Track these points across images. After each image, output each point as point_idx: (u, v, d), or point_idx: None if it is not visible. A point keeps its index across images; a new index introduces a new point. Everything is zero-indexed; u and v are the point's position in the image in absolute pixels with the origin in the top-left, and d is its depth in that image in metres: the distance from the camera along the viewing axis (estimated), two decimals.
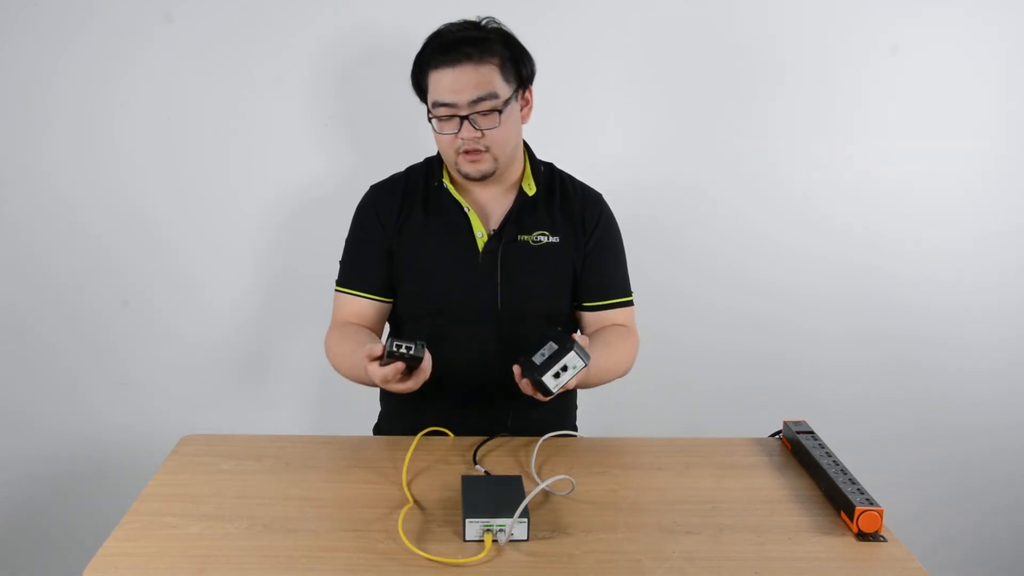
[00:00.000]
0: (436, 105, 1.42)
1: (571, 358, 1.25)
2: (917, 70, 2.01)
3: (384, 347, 1.25)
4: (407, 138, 1.89)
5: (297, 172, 2.02)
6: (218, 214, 2.04)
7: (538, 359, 1.27)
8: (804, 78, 2.01)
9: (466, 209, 1.50)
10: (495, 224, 1.52)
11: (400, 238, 1.52)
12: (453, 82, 1.40)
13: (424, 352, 1.26)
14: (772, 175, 2.06)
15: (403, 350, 1.24)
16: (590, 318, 1.57)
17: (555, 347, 1.27)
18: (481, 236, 1.50)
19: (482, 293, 1.49)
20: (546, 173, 1.57)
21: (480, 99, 1.40)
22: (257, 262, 2.07)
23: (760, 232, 2.08)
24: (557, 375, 1.25)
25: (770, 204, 2.07)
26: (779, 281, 2.10)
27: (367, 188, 1.60)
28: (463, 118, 1.41)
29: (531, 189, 1.52)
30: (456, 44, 1.40)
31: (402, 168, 1.61)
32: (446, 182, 1.52)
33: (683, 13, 1.96)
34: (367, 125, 2.01)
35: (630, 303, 1.58)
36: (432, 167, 1.56)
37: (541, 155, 1.60)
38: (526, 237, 1.51)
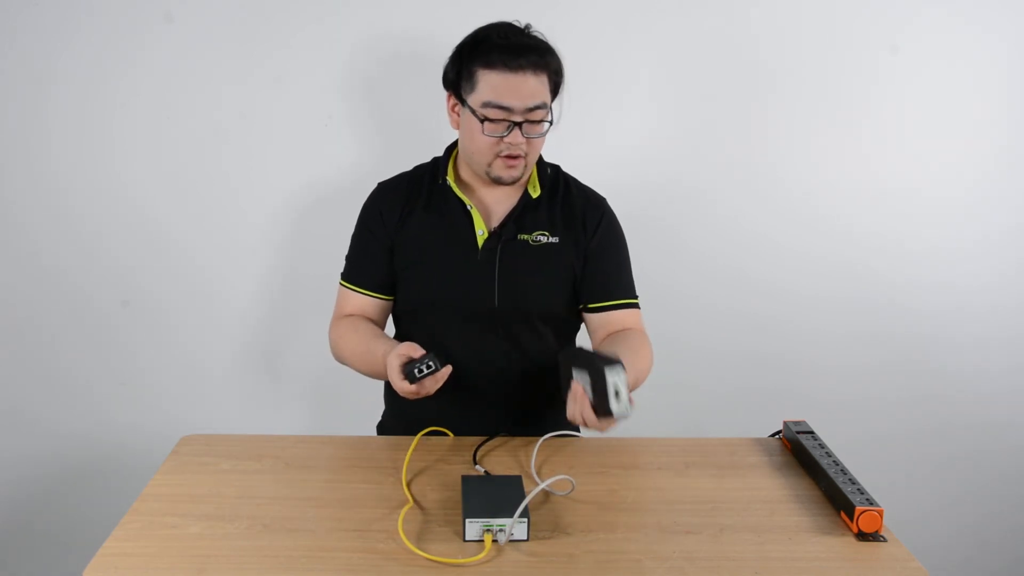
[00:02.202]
0: (489, 106, 1.40)
1: (612, 376, 1.19)
2: (918, 70, 2.01)
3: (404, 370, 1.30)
4: (407, 138, 1.90)
5: (297, 172, 2.02)
6: (218, 214, 2.04)
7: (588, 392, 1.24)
8: (804, 78, 2.01)
9: (469, 207, 1.50)
10: (496, 222, 1.52)
11: (401, 235, 1.53)
12: (516, 87, 1.38)
13: (439, 364, 1.29)
14: (772, 175, 2.06)
15: (425, 370, 1.28)
16: (596, 320, 1.56)
17: (587, 375, 1.24)
18: (482, 234, 1.50)
19: (480, 290, 1.49)
20: (551, 176, 1.57)
21: (536, 107, 1.40)
22: (258, 261, 2.07)
23: (760, 232, 2.08)
24: (617, 395, 1.20)
25: (770, 204, 2.07)
26: (779, 281, 2.10)
27: (368, 188, 1.60)
28: (515, 123, 1.40)
29: (535, 191, 1.52)
30: (524, 49, 1.39)
31: (405, 167, 1.61)
32: (449, 180, 1.52)
33: (683, 14, 1.96)
34: (367, 125, 2.01)
35: (636, 305, 1.58)
36: (437, 166, 1.56)
37: (542, 155, 1.60)
38: (526, 236, 1.51)
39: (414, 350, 1.33)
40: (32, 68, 1.94)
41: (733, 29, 1.98)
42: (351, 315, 1.57)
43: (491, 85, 1.39)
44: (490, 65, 1.39)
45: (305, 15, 1.93)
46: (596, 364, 1.21)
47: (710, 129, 2.03)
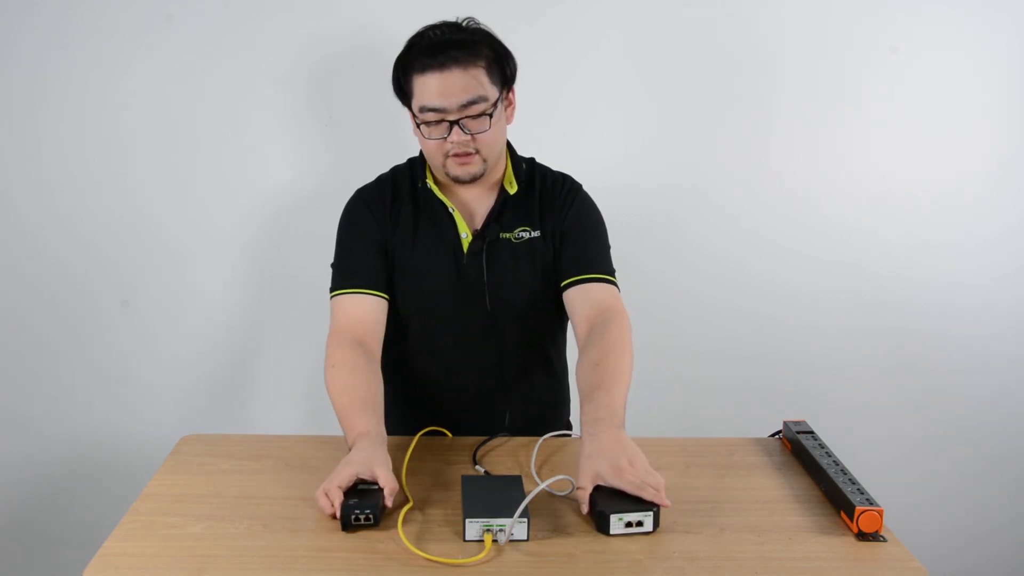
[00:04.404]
0: (424, 110, 1.38)
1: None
2: (917, 70, 2.01)
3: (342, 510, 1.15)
4: (409, 139, 1.89)
5: (296, 173, 2.02)
6: (217, 214, 2.04)
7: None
8: (804, 78, 2.01)
9: (451, 210, 1.48)
10: (479, 223, 1.50)
11: (393, 239, 1.50)
12: (442, 86, 1.36)
13: (377, 515, 1.15)
14: (772, 175, 2.06)
15: (362, 519, 1.14)
16: (575, 297, 1.47)
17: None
18: (466, 236, 1.48)
19: (470, 293, 1.48)
20: (527, 170, 1.54)
21: (470, 103, 1.37)
22: (256, 262, 2.07)
23: (760, 232, 2.08)
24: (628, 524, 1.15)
25: (770, 204, 2.07)
26: (779, 281, 2.10)
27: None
28: (452, 122, 1.37)
29: (512, 187, 1.49)
30: (443, 47, 1.36)
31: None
32: (430, 183, 1.49)
33: (682, 14, 1.96)
34: (368, 126, 2.01)
35: (613, 282, 1.50)
36: (415, 168, 1.53)
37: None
38: (508, 235, 1.49)
39: (365, 470, 1.19)
40: (32, 68, 1.93)
41: (734, 28, 1.98)
42: (354, 340, 1.41)
43: (421, 89, 1.38)
44: (417, 69, 1.38)
45: (305, 15, 1.93)
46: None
47: (710, 129, 2.03)
